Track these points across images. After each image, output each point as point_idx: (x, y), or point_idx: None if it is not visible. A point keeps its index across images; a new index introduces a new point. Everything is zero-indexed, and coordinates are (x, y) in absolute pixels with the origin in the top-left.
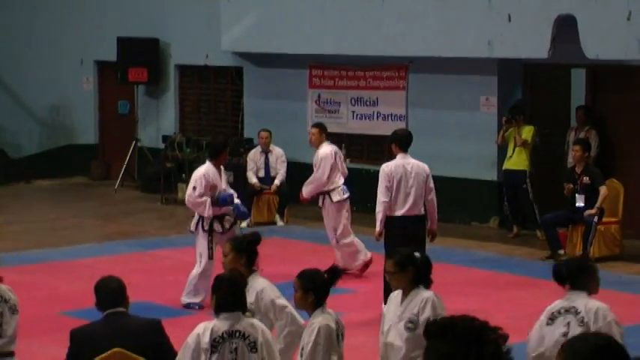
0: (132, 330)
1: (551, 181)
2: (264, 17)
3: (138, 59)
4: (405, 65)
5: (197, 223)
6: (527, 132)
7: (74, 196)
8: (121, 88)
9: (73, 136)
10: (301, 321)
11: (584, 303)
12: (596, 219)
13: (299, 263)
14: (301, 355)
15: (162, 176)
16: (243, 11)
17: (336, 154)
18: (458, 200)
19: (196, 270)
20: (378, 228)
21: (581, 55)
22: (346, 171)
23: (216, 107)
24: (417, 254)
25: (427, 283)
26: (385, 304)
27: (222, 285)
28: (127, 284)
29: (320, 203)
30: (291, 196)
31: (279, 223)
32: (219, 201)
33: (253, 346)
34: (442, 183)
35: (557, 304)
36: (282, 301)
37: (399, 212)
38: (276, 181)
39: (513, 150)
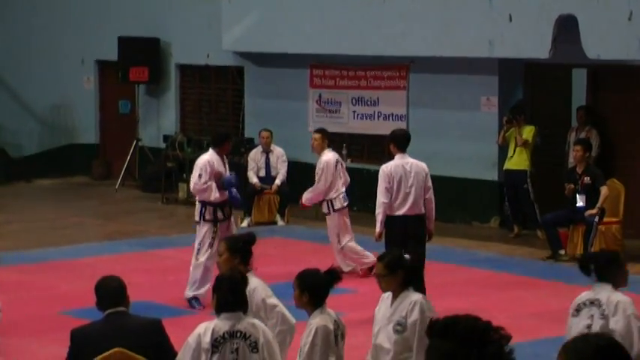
0: (132, 330)
1: (551, 181)
2: (265, 17)
3: (139, 59)
4: (405, 65)
5: (200, 213)
6: (528, 132)
7: (75, 196)
8: (121, 88)
9: (73, 135)
10: (292, 320)
11: (607, 296)
12: (597, 219)
13: (299, 263)
14: (299, 356)
15: (163, 176)
16: (244, 11)
17: (337, 162)
18: (458, 200)
19: (194, 261)
20: (378, 229)
21: (582, 55)
22: (348, 179)
23: (217, 107)
24: (406, 256)
25: (417, 286)
26: None
27: (223, 285)
28: (127, 284)
29: (325, 210)
30: (292, 196)
31: (280, 222)
32: (224, 184)
33: (254, 347)
34: (443, 183)
35: (584, 295)
36: (272, 300)
37: (400, 212)
38: (277, 181)
39: (514, 150)
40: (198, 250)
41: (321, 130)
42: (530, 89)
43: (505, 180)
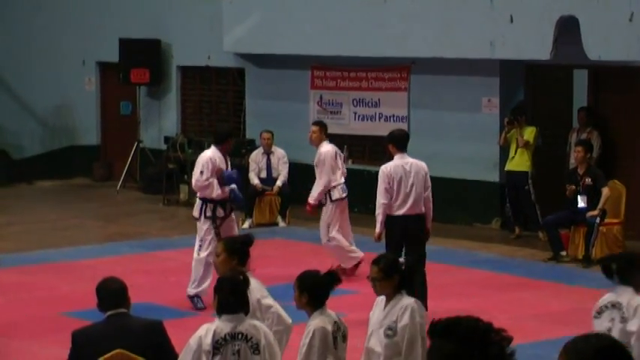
0: (133, 331)
1: (553, 182)
2: (266, 18)
3: (140, 60)
4: (407, 66)
5: (200, 210)
6: (529, 133)
7: (76, 197)
8: (123, 89)
9: (75, 137)
10: (288, 320)
11: (628, 299)
12: (598, 220)
13: (300, 264)
14: (298, 358)
15: (164, 177)
16: (245, 12)
17: (336, 153)
18: (460, 201)
19: (195, 257)
20: (378, 229)
21: (583, 56)
22: (345, 170)
23: (218, 108)
24: (401, 260)
25: (410, 290)
26: None
27: (224, 286)
28: (128, 285)
29: (322, 200)
30: (293, 197)
31: (281, 224)
32: (225, 180)
33: (256, 348)
34: (444, 184)
35: (606, 297)
36: (268, 300)
37: (400, 212)
38: (278, 182)
39: (515, 151)
40: (200, 246)
41: (319, 123)
42: (531, 90)
43: (506, 181)
